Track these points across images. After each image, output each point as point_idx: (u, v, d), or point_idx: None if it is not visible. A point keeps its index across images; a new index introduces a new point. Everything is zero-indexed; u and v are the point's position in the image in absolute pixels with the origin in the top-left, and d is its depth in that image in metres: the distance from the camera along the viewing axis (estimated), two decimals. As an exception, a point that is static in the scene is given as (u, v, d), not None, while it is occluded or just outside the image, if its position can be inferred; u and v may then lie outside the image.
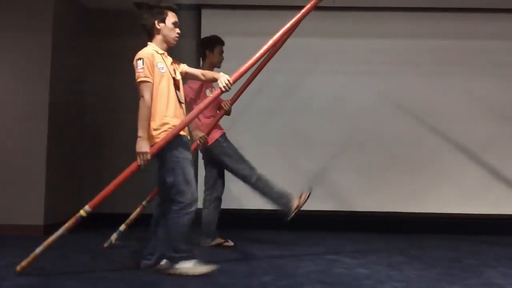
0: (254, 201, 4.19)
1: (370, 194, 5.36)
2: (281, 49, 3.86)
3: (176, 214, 2.95)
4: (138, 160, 2.91)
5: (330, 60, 5.50)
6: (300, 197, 3.72)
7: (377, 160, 5.41)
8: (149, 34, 3.11)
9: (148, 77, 2.95)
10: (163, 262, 3.07)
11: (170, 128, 2.98)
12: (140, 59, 2.98)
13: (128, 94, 5.35)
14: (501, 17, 5.43)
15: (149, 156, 2.91)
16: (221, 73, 3.15)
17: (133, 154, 2.90)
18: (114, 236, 3.90)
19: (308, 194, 3.74)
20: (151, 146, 2.93)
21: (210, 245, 4.06)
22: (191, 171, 3.02)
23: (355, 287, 2.78)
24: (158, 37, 3.10)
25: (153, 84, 2.96)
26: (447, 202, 5.32)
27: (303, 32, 4.01)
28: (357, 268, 3.29)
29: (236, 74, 3.19)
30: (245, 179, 3.91)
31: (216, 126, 4.01)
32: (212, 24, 5.39)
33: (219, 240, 4.11)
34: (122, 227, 3.93)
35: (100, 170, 5.51)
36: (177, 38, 3.16)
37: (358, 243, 4.40)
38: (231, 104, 4.02)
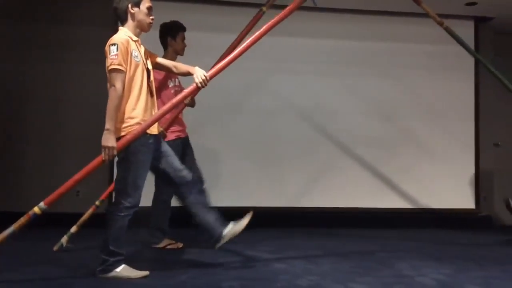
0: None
1: (286, 189, 5.42)
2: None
3: (114, 216, 2.78)
4: (103, 154, 2.68)
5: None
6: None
7: (294, 157, 5.47)
8: (121, 19, 2.87)
9: (122, 65, 2.70)
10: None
11: (138, 123, 2.77)
12: (114, 44, 2.71)
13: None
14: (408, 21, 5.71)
15: (115, 152, 2.69)
16: (197, 68, 2.96)
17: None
18: (64, 239, 3.58)
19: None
20: (118, 139, 2.72)
21: (160, 246, 3.86)
22: (143, 175, 2.84)
23: (273, 281, 2.79)
24: (131, 23, 2.85)
25: (126, 73, 2.73)
26: (361, 197, 5.50)
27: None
28: (275, 263, 3.31)
29: (213, 71, 3.02)
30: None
31: (177, 121, 3.80)
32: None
33: (165, 242, 3.90)
34: (73, 229, 3.61)
35: (44, 166, 5.13)
36: (151, 25, 2.93)
37: (277, 239, 4.43)
38: (193, 97, 3.76)
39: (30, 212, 2.73)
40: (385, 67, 5.68)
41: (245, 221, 3.00)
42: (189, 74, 2.98)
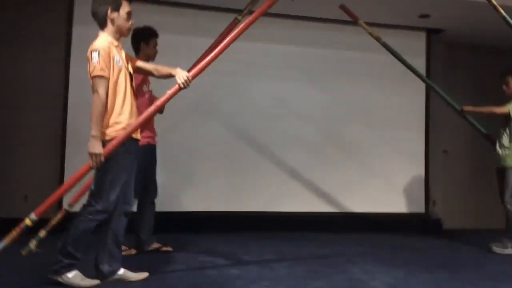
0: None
1: (241, 194, 5.41)
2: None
3: (83, 217, 2.72)
4: (91, 161, 2.66)
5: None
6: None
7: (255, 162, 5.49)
8: (101, 23, 2.84)
9: (104, 71, 2.70)
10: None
11: (124, 128, 2.76)
12: (95, 51, 2.71)
13: None
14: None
15: (103, 158, 2.67)
16: (178, 69, 2.96)
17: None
18: (33, 243, 3.42)
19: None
20: (103, 143, 2.70)
21: (148, 250, 3.81)
22: (121, 180, 2.78)
23: (227, 287, 2.78)
24: (111, 27, 2.84)
25: (109, 79, 2.72)
26: (315, 202, 5.55)
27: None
28: (229, 269, 3.30)
29: (194, 71, 2.99)
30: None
31: (149, 127, 3.73)
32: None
33: (156, 245, 3.87)
34: (42, 233, 3.46)
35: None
36: (130, 30, 2.94)
37: (232, 244, 4.41)
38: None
39: (22, 225, 2.68)
40: (339, 75, 5.75)
41: (136, 277, 2.91)
42: (170, 76, 2.98)
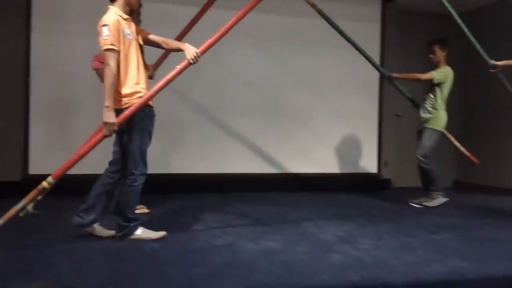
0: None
1: (203, 156, 5.57)
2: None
3: (131, 187, 2.99)
4: (105, 130, 2.85)
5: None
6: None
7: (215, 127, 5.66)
8: None
9: (115, 45, 2.84)
10: (97, 226, 3.10)
11: (141, 97, 2.95)
12: (105, 25, 2.84)
13: None
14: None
15: (116, 127, 2.86)
16: (187, 44, 3.09)
17: None
18: (30, 205, 3.52)
19: None
20: (119, 111, 2.89)
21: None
22: (148, 145, 3.04)
23: (192, 242, 3.05)
24: (121, 1, 2.97)
25: (119, 52, 2.86)
26: (276, 163, 5.82)
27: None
28: (193, 225, 3.55)
29: (204, 46, 3.12)
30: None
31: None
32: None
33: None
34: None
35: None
36: (139, 2, 3.09)
37: (196, 202, 4.65)
38: (155, 70, 3.78)
39: (39, 187, 2.85)
40: (299, 41, 5.90)
41: (157, 234, 3.12)
42: (179, 50, 3.13)
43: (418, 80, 4.74)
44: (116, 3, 2.98)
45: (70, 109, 5.10)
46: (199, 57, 3.07)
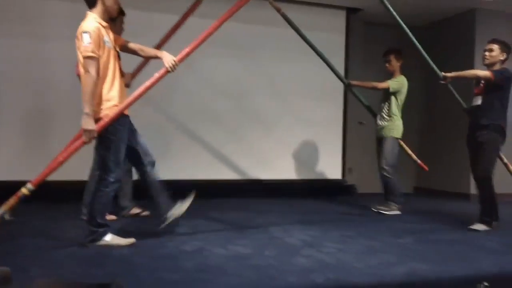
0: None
1: (174, 162, 5.59)
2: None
3: (100, 192, 3.00)
4: (84, 137, 2.88)
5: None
6: None
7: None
8: (90, 4, 2.98)
9: (95, 53, 2.85)
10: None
11: (115, 105, 2.97)
12: (86, 32, 2.84)
13: None
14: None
15: (95, 134, 2.89)
16: (165, 52, 3.13)
17: None
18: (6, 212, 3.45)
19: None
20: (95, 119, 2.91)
21: (129, 214, 4.18)
22: (123, 152, 3.05)
23: (162, 248, 3.08)
24: (100, 8, 2.98)
25: (99, 59, 2.88)
26: (243, 169, 5.92)
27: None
28: (163, 232, 3.57)
29: (182, 55, 3.15)
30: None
31: None
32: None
33: (135, 210, 4.21)
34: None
35: None
36: (118, 10, 3.11)
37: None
38: (132, 78, 3.86)
39: (19, 193, 2.85)
40: (266, 49, 6.00)
41: (187, 202, 3.32)
42: (156, 57, 3.18)
43: (375, 88, 4.92)
44: (95, 10, 2.99)
45: (45, 116, 5.05)
46: (177, 65, 3.12)
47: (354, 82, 5.04)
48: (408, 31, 4.17)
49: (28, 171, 3.54)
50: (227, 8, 3.44)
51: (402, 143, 4.99)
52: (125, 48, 3.20)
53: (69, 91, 4.67)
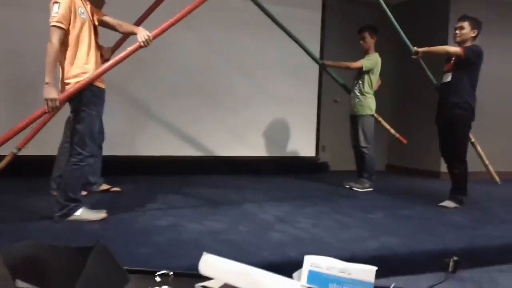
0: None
1: (152, 138, 5.55)
2: None
3: (75, 166, 2.95)
4: (46, 106, 2.80)
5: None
6: None
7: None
8: None
9: (62, 23, 2.81)
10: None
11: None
12: (57, 2, 2.79)
13: None
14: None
15: (57, 103, 2.81)
16: (140, 28, 3.11)
17: None
18: None
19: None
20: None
21: (98, 190, 4.09)
22: (97, 126, 3.02)
23: (134, 223, 3.05)
24: None
25: (66, 30, 2.84)
26: (217, 146, 5.87)
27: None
28: (134, 207, 3.54)
29: (156, 31, 3.10)
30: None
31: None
32: None
33: (105, 186, 4.15)
34: None
35: None
36: None
37: (134, 185, 4.61)
38: (112, 53, 3.73)
39: None
40: (239, 25, 5.90)
41: (97, 215, 3.09)
42: (133, 33, 3.15)
43: (348, 68, 4.93)
44: None
45: (28, 87, 4.87)
46: (150, 40, 3.06)
47: (327, 62, 5.04)
48: (383, 4, 4.16)
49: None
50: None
51: (379, 118, 5.05)
52: (103, 23, 3.15)
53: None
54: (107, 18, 3.16)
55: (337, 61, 5.08)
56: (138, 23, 3.74)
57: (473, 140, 4.47)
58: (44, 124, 3.46)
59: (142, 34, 3.05)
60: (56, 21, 2.81)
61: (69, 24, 2.88)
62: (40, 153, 4.40)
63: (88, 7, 3.04)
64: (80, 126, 2.96)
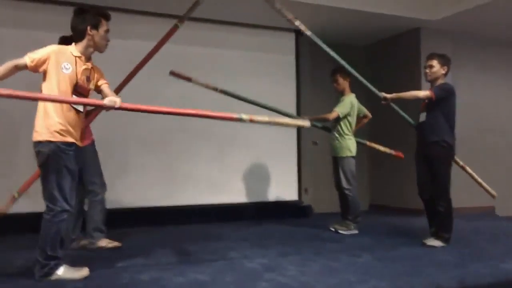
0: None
1: (129, 189, 5.42)
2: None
3: (49, 223, 2.85)
4: None
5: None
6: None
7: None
8: (77, 38, 3.01)
9: (33, 60, 2.83)
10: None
11: (56, 131, 2.85)
12: (46, 46, 2.90)
13: None
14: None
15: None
16: (119, 99, 2.86)
17: None
18: None
19: None
20: (38, 142, 2.85)
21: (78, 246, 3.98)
22: (67, 180, 2.89)
23: (117, 279, 2.93)
24: (86, 42, 2.99)
25: (30, 69, 2.86)
26: (199, 194, 5.76)
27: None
28: (116, 262, 3.40)
29: (127, 106, 2.89)
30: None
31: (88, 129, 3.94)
32: None
33: (83, 241, 4.02)
34: None
35: None
36: (107, 46, 3.07)
37: (120, 238, 4.43)
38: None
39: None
40: (214, 70, 5.86)
41: (79, 274, 2.97)
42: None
43: (327, 120, 4.92)
44: (80, 43, 3.01)
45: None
46: (115, 108, 2.83)
47: (309, 118, 4.99)
48: (338, 58, 4.28)
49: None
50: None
51: (369, 143, 5.09)
52: (99, 90, 3.14)
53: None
54: (104, 88, 3.11)
55: (316, 116, 5.04)
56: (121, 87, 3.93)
57: (461, 163, 4.49)
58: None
59: (113, 99, 2.83)
60: (29, 55, 2.85)
61: (39, 68, 2.87)
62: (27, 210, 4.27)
63: (83, 66, 2.99)
64: (48, 183, 2.88)
